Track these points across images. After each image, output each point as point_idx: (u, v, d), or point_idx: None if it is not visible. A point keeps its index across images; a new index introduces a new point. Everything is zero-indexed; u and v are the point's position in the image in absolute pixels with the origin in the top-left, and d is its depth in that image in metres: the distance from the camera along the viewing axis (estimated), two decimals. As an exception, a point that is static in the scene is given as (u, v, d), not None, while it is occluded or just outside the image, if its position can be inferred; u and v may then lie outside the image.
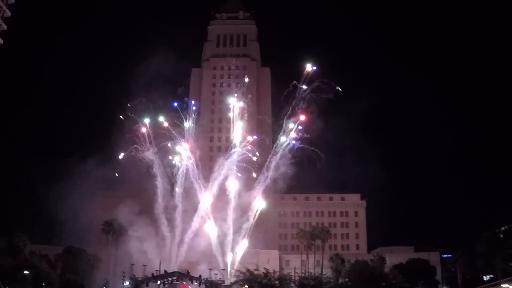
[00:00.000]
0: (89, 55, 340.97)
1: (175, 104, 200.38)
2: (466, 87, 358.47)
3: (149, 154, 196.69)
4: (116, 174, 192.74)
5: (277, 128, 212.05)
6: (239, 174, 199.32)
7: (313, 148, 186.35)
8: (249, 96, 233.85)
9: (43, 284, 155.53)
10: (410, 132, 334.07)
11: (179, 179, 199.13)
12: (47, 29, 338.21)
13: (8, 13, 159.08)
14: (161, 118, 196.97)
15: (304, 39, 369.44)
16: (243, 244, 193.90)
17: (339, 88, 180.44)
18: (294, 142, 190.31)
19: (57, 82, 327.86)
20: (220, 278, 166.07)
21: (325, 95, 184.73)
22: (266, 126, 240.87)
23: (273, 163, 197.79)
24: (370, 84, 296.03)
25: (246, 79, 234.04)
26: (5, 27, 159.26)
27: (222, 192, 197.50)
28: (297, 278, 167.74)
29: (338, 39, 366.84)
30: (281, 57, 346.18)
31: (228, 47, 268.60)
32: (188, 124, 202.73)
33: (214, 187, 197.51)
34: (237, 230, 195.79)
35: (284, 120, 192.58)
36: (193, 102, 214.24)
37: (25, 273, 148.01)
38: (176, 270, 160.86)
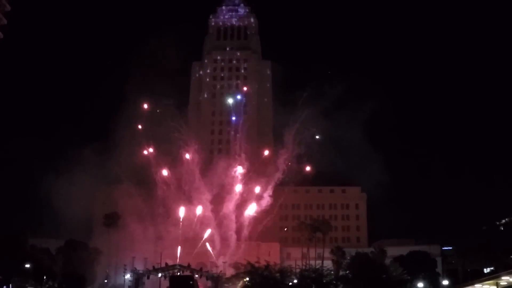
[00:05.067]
0: (90, 47, 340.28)
1: None
2: (469, 89, 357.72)
3: (150, 148, 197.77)
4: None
5: (278, 120, 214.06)
6: (241, 167, 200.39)
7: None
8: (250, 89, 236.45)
9: (45, 277, 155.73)
10: (412, 129, 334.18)
11: (179, 171, 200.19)
12: (46, 15, 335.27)
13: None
14: None
15: (307, 34, 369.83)
16: (244, 237, 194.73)
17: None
18: None
19: (57, 76, 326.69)
20: (221, 271, 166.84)
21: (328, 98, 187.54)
22: (267, 117, 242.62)
23: (278, 156, 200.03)
24: (375, 83, 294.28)
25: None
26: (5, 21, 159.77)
27: (222, 185, 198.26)
28: (298, 270, 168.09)
29: (343, 36, 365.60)
30: (283, 51, 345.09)
31: (228, 40, 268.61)
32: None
33: (214, 180, 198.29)
34: (237, 223, 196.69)
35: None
36: None
37: (27, 267, 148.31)
38: (177, 263, 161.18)
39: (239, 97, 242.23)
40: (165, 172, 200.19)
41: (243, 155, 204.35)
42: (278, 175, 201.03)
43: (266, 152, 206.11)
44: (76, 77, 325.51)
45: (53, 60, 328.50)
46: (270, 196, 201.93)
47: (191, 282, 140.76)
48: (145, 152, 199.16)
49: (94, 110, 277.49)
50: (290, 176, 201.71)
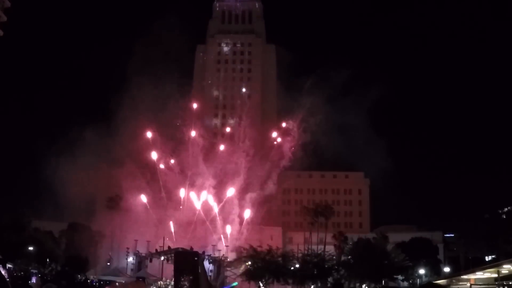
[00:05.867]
0: (93, 28, 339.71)
1: None
2: (474, 76, 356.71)
3: (152, 129, 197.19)
4: None
5: (283, 105, 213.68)
6: (243, 152, 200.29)
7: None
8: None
9: (48, 260, 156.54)
10: (416, 116, 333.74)
11: (182, 156, 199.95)
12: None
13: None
14: None
15: (313, 19, 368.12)
16: (246, 221, 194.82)
17: None
18: None
19: (59, 56, 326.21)
20: (223, 255, 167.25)
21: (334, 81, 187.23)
22: (271, 102, 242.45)
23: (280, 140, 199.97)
24: (380, 69, 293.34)
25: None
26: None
27: (225, 170, 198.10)
28: (300, 255, 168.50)
29: (348, 21, 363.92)
30: (288, 36, 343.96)
31: (233, 23, 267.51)
32: None
33: (216, 164, 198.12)
34: (240, 207, 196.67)
35: None
36: None
37: (30, 249, 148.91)
38: (179, 246, 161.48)
39: (244, 90, 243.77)
40: (167, 157, 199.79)
41: (246, 141, 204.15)
42: (283, 162, 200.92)
43: (279, 140, 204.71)
44: (79, 58, 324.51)
45: (55, 41, 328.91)
46: (274, 184, 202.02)
47: (195, 258, 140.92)
48: (148, 135, 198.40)
49: (97, 91, 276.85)
50: (295, 161, 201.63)
